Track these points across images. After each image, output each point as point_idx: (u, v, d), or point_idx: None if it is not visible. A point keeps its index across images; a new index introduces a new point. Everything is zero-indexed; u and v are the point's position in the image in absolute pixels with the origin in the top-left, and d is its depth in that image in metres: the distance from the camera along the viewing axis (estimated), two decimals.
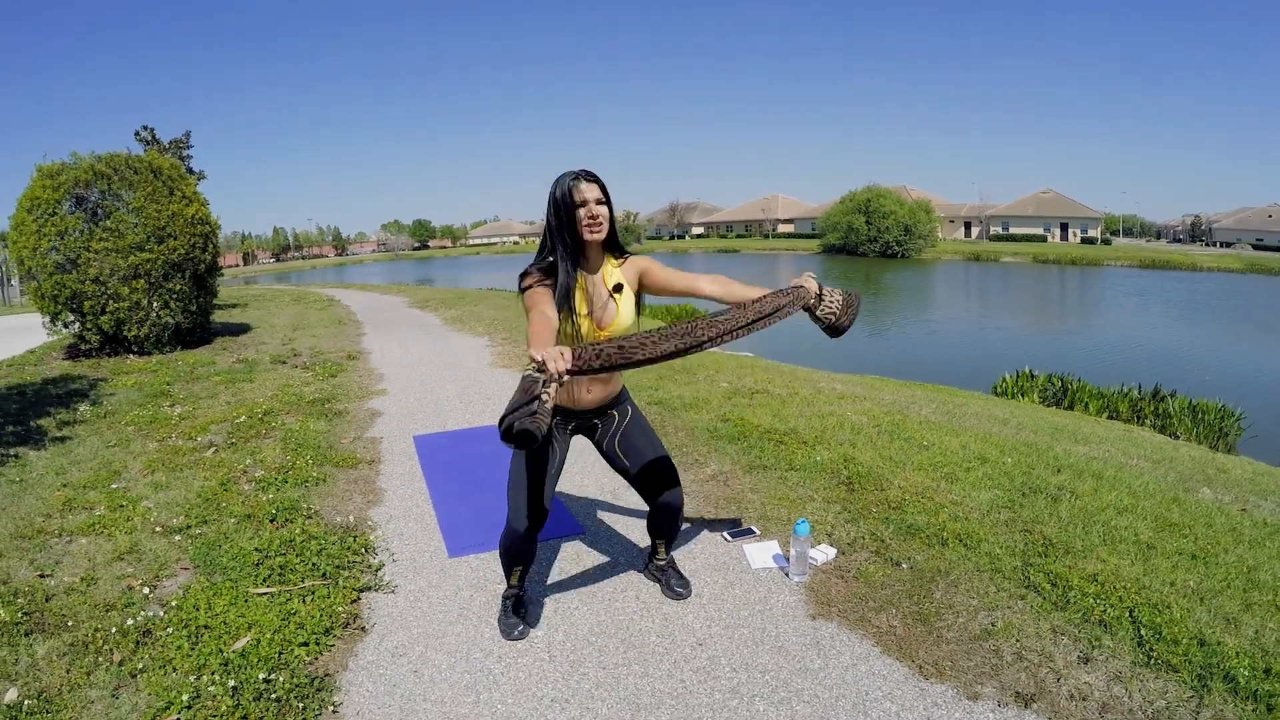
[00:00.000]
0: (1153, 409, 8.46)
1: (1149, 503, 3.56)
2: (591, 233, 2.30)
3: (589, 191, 2.28)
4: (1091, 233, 62.59)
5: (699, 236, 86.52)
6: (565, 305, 2.30)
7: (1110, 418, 8.38)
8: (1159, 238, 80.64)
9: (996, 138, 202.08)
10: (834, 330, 2.46)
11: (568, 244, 2.32)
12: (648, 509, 2.72)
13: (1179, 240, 73.66)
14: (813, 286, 2.42)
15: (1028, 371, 10.02)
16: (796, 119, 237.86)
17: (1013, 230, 64.05)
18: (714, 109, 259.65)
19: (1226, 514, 3.54)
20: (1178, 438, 7.46)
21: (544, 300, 2.23)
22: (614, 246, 2.43)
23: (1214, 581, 2.73)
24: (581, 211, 2.29)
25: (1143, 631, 2.39)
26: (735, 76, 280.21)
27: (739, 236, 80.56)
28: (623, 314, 2.38)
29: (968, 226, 69.02)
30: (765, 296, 2.32)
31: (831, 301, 2.45)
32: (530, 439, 1.83)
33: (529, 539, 2.45)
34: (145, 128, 19.42)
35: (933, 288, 30.80)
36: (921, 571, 2.86)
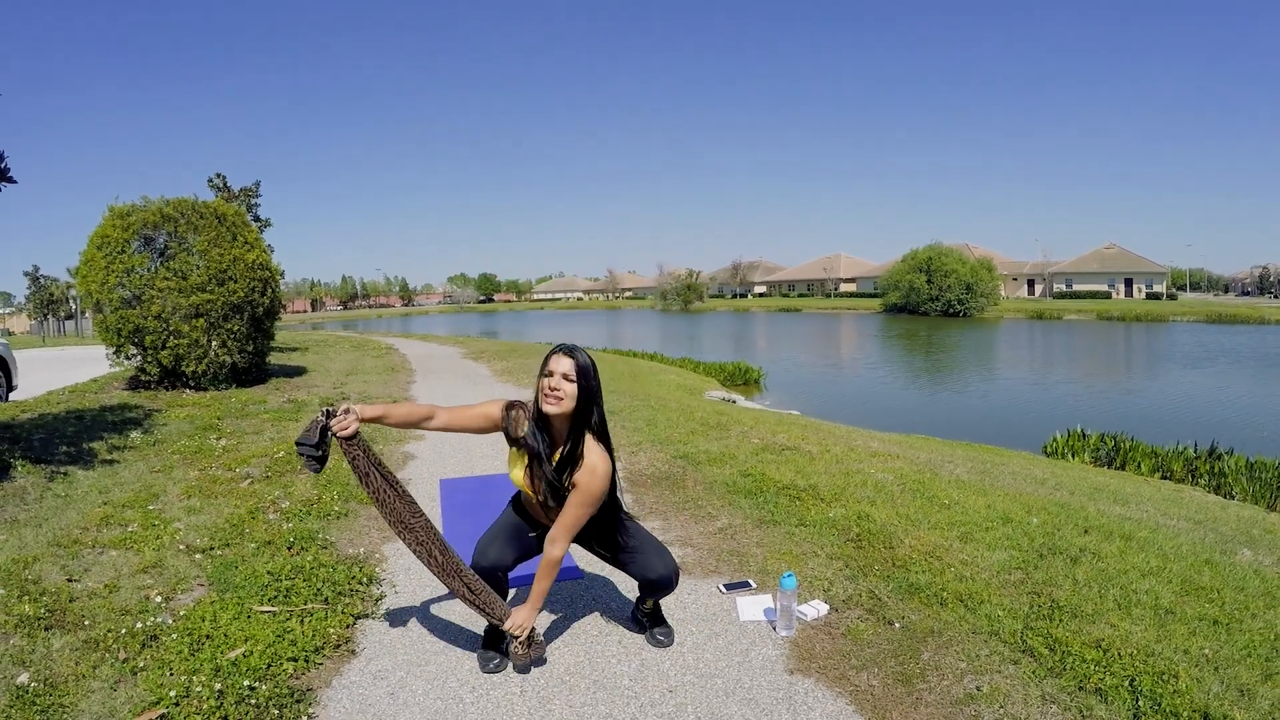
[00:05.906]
0: (1208, 468, 8.05)
1: (1178, 565, 3.39)
2: (547, 403, 2.35)
3: (558, 364, 2.34)
4: (1157, 288, 60.47)
5: (761, 295, 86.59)
6: (525, 447, 2.45)
7: (1163, 477, 8.02)
8: (1226, 291, 77.28)
9: (1059, 193, 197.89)
10: None
11: (534, 405, 2.41)
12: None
13: (1247, 293, 70.34)
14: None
15: (1079, 431, 9.70)
16: (860, 178, 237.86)
17: (1076, 287, 62.31)
18: (777, 168, 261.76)
19: (1263, 577, 3.35)
20: (1233, 497, 7.06)
21: (479, 412, 2.50)
22: (583, 430, 2.39)
23: (1234, 649, 2.58)
24: (545, 381, 2.35)
25: (1141, 701, 2.27)
26: (799, 135, 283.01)
27: (801, 295, 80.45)
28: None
29: (1030, 284, 67.46)
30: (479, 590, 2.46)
31: None
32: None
33: (485, 575, 2.52)
34: (218, 174, 20.73)
35: (993, 346, 29.96)
36: (913, 631, 2.78)
